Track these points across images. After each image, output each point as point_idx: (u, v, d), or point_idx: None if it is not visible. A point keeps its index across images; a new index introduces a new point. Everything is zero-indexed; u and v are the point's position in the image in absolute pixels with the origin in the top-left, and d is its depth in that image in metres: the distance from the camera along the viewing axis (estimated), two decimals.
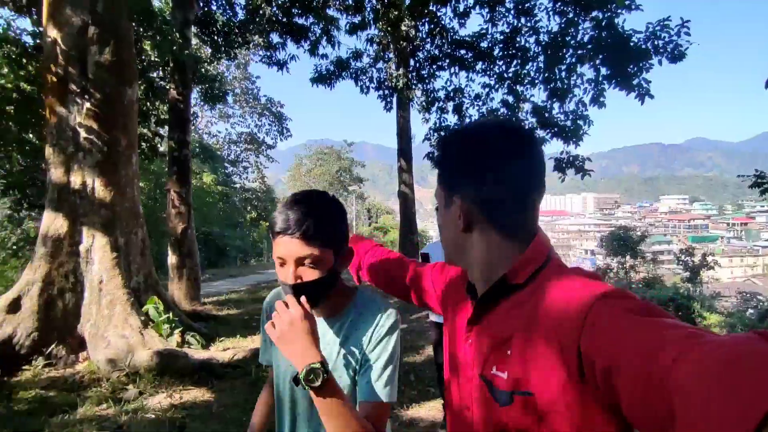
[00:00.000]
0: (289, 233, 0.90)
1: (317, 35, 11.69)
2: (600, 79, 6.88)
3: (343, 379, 1.00)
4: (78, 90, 4.67)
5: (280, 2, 11.18)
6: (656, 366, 0.43)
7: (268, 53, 11.75)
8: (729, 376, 0.36)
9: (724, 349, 0.39)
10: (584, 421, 0.59)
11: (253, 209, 29.40)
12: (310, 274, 0.92)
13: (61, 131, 4.63)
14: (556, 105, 7.90)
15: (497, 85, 8.81)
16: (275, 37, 11.84)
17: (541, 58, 8.12)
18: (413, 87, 9.17)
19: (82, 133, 4.66)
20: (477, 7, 8.78)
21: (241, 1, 11.28)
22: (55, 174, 4.62)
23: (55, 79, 4.64)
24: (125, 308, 4.53)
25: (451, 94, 9.09)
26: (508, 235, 0.74)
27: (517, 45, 8.39)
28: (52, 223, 4.56)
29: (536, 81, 8.29)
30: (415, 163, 13.63)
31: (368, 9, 10.67)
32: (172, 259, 7.28)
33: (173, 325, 4.68)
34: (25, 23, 7.53)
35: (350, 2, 11.34)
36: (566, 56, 7.60)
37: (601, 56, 6.96)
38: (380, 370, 0.98)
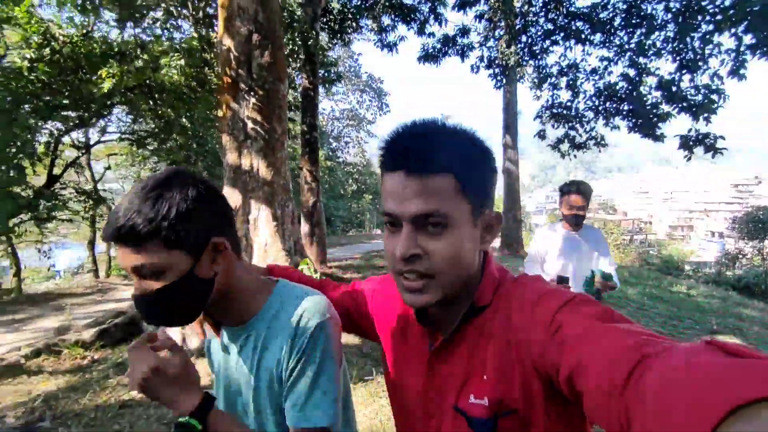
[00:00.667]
0: (113, 240, 0.69)
1: (425, 15, 12.02)
2: (742, 49, 6.32)
3: (266, 410, 0.82)
4: (246, 88, 5.72)
5: None
6: (616, 373, 0.44)
7: (380, 36, 12.40)
8: (686, 383, 0.37)
9: (679, 358, 0.40)
10: (567, 426, 0.61)
11: (354, 182, 31.18)
12: (154, 285, 0.70)
13: (234, 123, 5.74)
14: (686, 77, 7.39)
15: (617, 58, 8.42)
16: (386, 20, 12.43)
17: (671, 26, 7.59)
18: (524, 64, 9.13)
19: (249, 124, 5.72)
20: None
21: None
22: (231, 157, 5.78)
23: (229, 80, 5.73)
24: (286, 265, 5.60)
25: (565, 70, 8.90)
26: (482, 251, 0.72)
27: (641, 13, 7.91)
28: (230, 196, 5.75)
29: (663, 51, 7.79)
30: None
31: None
32: (304, 227, 8.46)
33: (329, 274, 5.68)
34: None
35: None
36: (702, 24, 7.05)
37: (745, 23, 6.38)
38: (308, 387, 0.77)
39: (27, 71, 7.42)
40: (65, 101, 8.12)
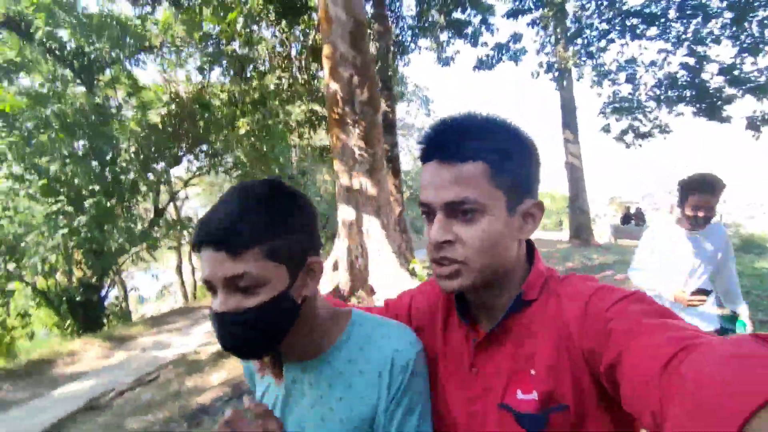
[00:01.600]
0: (209, 244, 0.61)
1: (476, 27, 12.92)
2: None
3: None
4: (351, 122, 6.90)
5: (441, 3, 12.65)
6: (654, 362, 0.44)
7: (437, 53, 13.42)
8: (723, 373, 0.36)
9: (720, 349, 0.40)
10: (617, 423, 0.60)
11: (407, 189, 32.29)
12: (248, 303, 0.62)
13: (344, 151, 6.93)
14: (748, 60, 7.75)
15: (675, 48, 8.86)
16: (442, 36, 13.44)
17: (727, 13, 7.99)
18: (583, 64, 9.75)
19: (356, 151, 6.89)
20: None
21: (410, 13, 13.07)
22: (343, 179, 6.97)
23: (337, 116, 6.94)
24: (396, 267, 6.68)
25: (623, 65, 9.42)
26: (527, 243, 0.73)
27: (695, 3, 8.35)
28: (345, 213, 6.93)
29: (721, 38, 8.17)
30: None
31: None
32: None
33: (429, 277, 6.72)
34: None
35: None
36: (758, 9, 7.43)
37: None
38: (412, 427, 0.71)
39: (161, 125, 9.14)
40: (187, 147, 9.84)
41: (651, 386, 0.43)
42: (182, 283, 19.18)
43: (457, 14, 13.08)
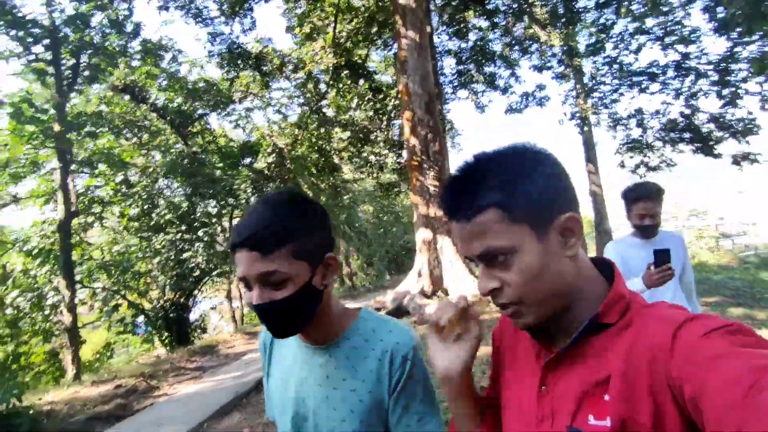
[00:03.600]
0: (244, 246, 0.75)
1: (506, 79, 15.55)
2: None
3: (342, 419, 0.84)
4: (427, 167, 9.30)
5: (475, 60, 15.32)
6: (736, 390, 0.43)
7: (473, 102, 16.01)
8: None
9: None
10: None
11: None
12: (279, 295, 0.76)
13: (422, 189, 9.31)
14: (730, 111, 9.96)
15: (675, 100, 11.15)
16: (478, 87, 16.05)
17: (712, 74, 10.28)
18: (599, 113, 12.07)
19: (431, 188, 9.25)
20: (648, 44, 11.31)
21: (449, 70, 15.75)
22: (421, 209, 9.30)
23: (416, 163, 9.36)
24: (465, 274, 8.89)
25: (633, 113, 11.71)
26: (594, 262, 0.72)
27: (686, 66, 10.68)
28: (423, 234, 9.23)
29: (709, 93, 10.43)
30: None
31: (553, 57, 13.93)
32: None
33: None
34: None
35: (535, 54, 14.80)
36: (737, 71, 9.70)
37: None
38: (415, 418, 0.84)
39: (266, 170, 11.76)
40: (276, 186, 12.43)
41: (732, 414, 0.43)
42: (230, 306, 21.33)
43: (490, 68, 15.76)
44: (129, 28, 11.47)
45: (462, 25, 14.35)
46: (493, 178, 0.64)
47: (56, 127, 9.14)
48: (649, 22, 10.88)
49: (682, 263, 2.24)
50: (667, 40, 10.80)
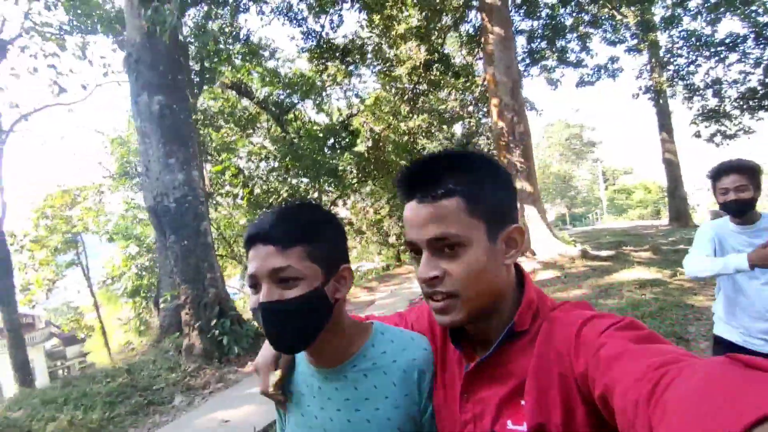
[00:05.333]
0: (262, 239, 0.73)
1: (577, 54, 16.17)
2: None
3: None
4: (513, 146, 10.68)
5: (548, 37, 16.04)
6: (641, 389, 0.45)
7: (546, 78, 16.80)
8: (704, 400, 0.37)
9: (699, 375, 0.41)
10: None
11: None
12: (289, 294, 0.72)
13: (509, 165, 10.73)
14: None
15: (754, 69, 11.56)
16: (550, 63, 16.79)
17: None
18: (675, 85, 12.64)
19: (518, 165, 10.65)
20: (726, 14, 11.72)
21: (520, 49, 16.58)
22: None
23: (503, 143, 10.77)
24: (548, 236, 10.34)
25: (710, 83, 12.20)
26: (516, 269, 0.74)
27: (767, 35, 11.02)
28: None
29: None
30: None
31: (627, 30, 14.42)
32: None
33: (573, 242, 10.30)
34: None
35: (610, 31, 15.28)
36: None
37: None
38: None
39: (366, 154, 13.64)
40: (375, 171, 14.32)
41: (639, 415, 0.44)
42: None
43: (560, 42, 16.40)
44: (241, 34, 13.65)
45: (533, 6, 15.11)
46: (463, 172, 0.67)
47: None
48: None
49: None
50: (745, 10, 11.19)
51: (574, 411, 0.59)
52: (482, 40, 11.38)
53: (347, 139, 16.02)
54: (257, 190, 14.57)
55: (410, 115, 13.01)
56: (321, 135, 17.68)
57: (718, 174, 1.92)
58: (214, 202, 15.67)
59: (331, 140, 18.13)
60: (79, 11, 10.42)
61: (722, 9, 11.53)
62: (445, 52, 12.36)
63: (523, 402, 0.64)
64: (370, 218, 18.05)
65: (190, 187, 6.21)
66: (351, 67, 15.99)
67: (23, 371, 11.43)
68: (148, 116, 6.18)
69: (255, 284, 0.74)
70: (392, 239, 19.10)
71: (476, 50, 14.24)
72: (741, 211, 1.89)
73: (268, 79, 17.36)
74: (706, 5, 11.73)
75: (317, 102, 18.22)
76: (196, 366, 5.20)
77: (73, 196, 18.45)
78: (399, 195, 0.72)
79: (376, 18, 12.02)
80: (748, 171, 1.85)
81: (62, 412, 4.22)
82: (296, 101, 17.95)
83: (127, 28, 6.41)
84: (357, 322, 0.86)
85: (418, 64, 11.76)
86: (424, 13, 11.50)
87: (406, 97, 12.85)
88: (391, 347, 0.82)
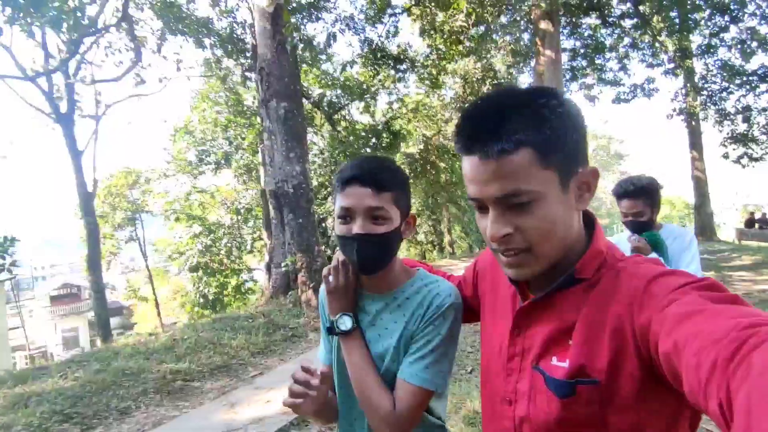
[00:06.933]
0: (360, 181, 0.88)
1: (614, 72, 17.36)
2: None
3: (395, 364, 0.95)
4: None
5: (588, 55, 17.22)
6: (720, 351, 0.42)
7: (585, 94, 18.00)
8: None
9: None
10: (652, 408, 0.58)
11: None
12: (378, 230, 0.89)
13: None
14: None
15: None
16: (587, 80, 17.97)
17: None
18: (707, 109, 13.76)
19: None
20: (760, 50, 12.79)
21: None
22: None
23: None
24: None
25: (740, 110, 13.30)
26: (583, 218, 0.73)
27: None
28: None
29: None
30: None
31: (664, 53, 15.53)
32: None
33: None
34: None
35: (648, 54, 16.40)
36: None
37: None
38: (424, 352, 0.91)
39: (416, 155, 15.09)
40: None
41: (715, 376, 0.41)
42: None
43: (599, 60, 17.57)
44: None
45: (576, 28, 16.33)
46: (526, 117, 0.60)
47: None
48: (763, 29, 12.39)
49: (676, 259, 1.99)
50: None
51: (623, 362, 0.58)
52: (534, 61, 12.71)
53: (389, 140, 17.42)
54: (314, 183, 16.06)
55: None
56: (364, 134, 19.09)
57: (617, 196, 2.06)
58: None
59: (374, 140, 19.56)
60: (169, 15, 11.86)
61: (755, 45, 12.61)
62: (495, 68, 13.71)
63: (570, 342, 0.64)
64: None
65: (304, 177, 7.75)
66: (399, 74, 17.44)
67: (105, 330, 13.21)
68: (275, 118, 7.72)
69: (346, 216, 0.90)
70: (420, 236, 20.32)
71: (522, 67, 15.53)
72: (638, 231, 2.02)
73: (323, 81, 18.95)
74: (740, 39, 12.84)
75: (366, 104, 19.69)
76: (315, 315, 6.72)
77: (135, 177, 20.27)
78: (456, 147, 0.67)
79: (438, 38, 13.41)
80: (642, 195, 1.98)
81: (232, 336, 5.75)
82: (347, 102, 19.47)
83: (259, 47, 7.94)
84: (405, 267, 1.04)
85: (474, 79, 13.12)
86: (481, 32, 12.85)
87: (458, 105, 14.23)
88: (424, 288, 0.98)
